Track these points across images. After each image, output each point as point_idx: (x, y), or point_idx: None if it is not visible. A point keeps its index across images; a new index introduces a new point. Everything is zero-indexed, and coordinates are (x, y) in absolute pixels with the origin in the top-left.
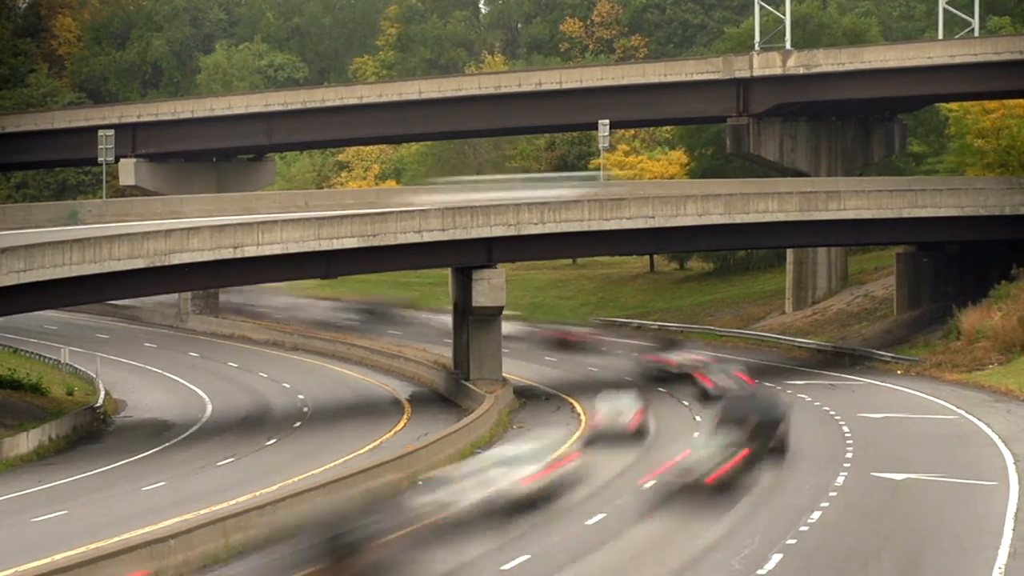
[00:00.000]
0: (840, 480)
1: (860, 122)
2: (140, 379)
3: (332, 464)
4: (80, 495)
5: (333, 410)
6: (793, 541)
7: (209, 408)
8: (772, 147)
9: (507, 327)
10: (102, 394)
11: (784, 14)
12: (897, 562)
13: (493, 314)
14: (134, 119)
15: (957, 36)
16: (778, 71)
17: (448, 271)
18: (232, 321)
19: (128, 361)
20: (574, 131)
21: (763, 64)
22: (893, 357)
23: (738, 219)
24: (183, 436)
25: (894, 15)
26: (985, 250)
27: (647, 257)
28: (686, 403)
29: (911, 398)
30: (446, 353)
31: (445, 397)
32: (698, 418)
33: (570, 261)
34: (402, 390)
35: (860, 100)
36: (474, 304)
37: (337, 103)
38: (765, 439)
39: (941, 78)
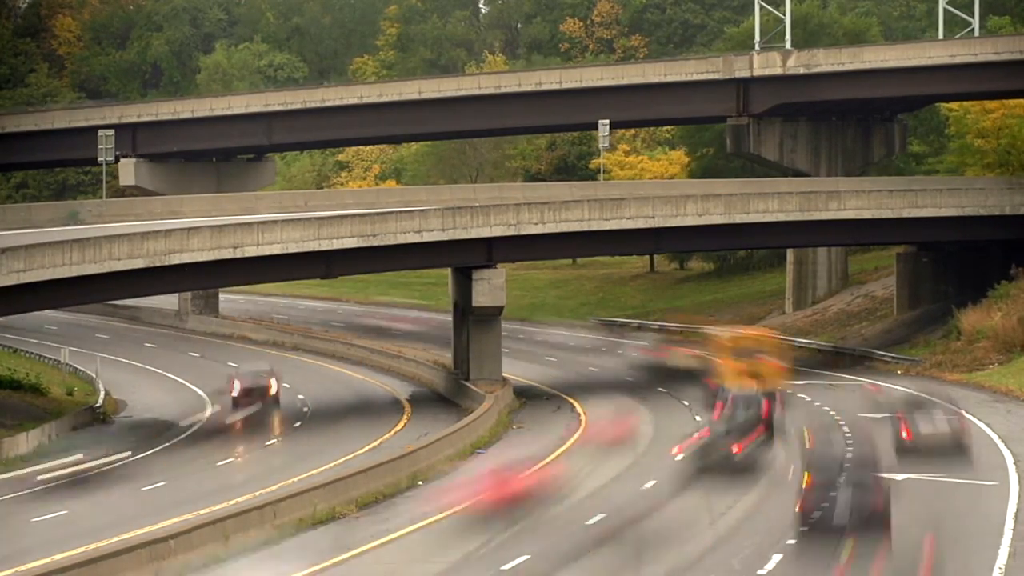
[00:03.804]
0: (840, 480)
1: (860, 122)
2: (140, 379)
3: (332, 464)
4: (80, 495)
5: (333, 410)
6: (793, 541)
7: (209, 408)
8: (772, 147)
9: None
10: (102, 394)
11: (784, 14)
12: (897, 562)
13: (493, 314)
14: (134, 119)
15: (957, 36)
16: (778, 71)
17: (448, 271)
18: (232, 321)
19: (128, 361)
20: (574, 131)
21: (763, 64)
22: (893, 357)
23: (738, 219)
24: (183, 436)
25: (894, 15)
26: (985, 250)
27: (647, 257)
28: (686, 403)
29: (911, 398)
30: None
31: (445, 397)
32: (698, 418)
33: (570, 261)
34: (402, 390)
35: (860, 100)
36: (474, 304)
37: (337, 103)
38: None
39: (941, 78)
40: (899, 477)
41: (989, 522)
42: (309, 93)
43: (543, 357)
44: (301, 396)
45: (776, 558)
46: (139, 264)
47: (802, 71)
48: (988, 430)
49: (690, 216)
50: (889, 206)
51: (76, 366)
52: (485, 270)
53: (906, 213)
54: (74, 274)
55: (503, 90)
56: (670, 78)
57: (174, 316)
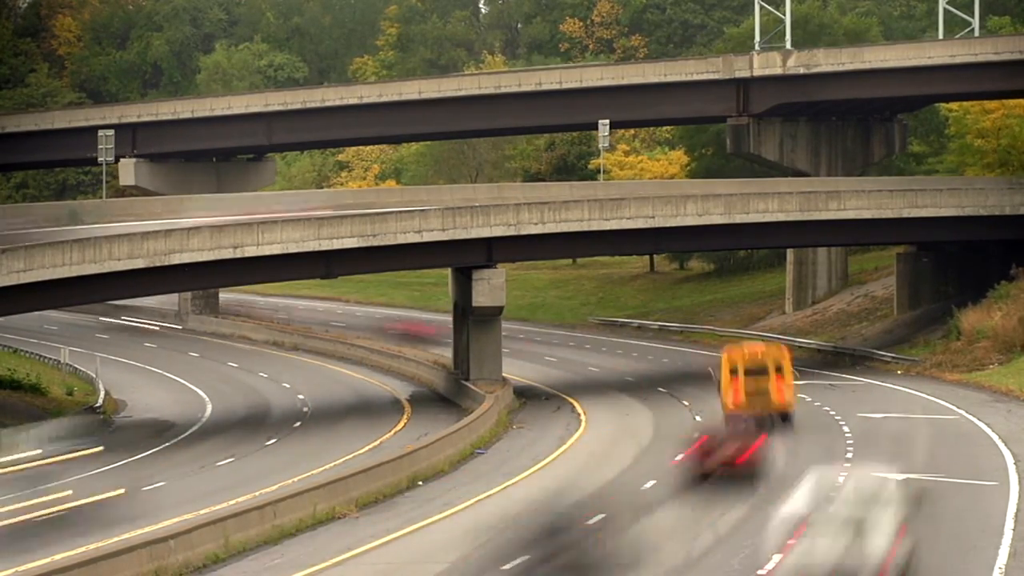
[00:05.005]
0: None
1: (860, 122)
2: (140, 379)
3: (332, 464)
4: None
5: (333, 410)
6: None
7: (209, 408)
8: (772, 147)
9: None
10: (102, 394)
11: (784, 14)
12: (897, 562)
13: (493, 314)
14: (134, 119)
15: (957, 36)
16: (778, 71)
17: (448, 271)
18: (232, 321)
19: (128, 361)
20: (574, 131)
21: (763, 64)
22: (893, 357)
23: (738, 219)
24: (183, 436)
25: (894, 15)
26: (985, 250)
27: (647, 257)
28: (686, 403)
29: (911, 398)
30: None
31: (445, 397)
32: (698, 418)
33: (570, 261)
34: (402, 390)
35: (860, 100)
36: (474, 304)
37: (337, 103)
38: None
39: (941, 78)
40: (899, 477)
41: (989, 522)
42: (309, 93)
43: (543, 357)
44: (301, 396)
45: (776, 558)
46: (139, 264)
47: (802, 71)
48: (988, 430)
49: (690, 216)
50: (889, 206)
51: (76, 366)
52: (485, 270)
53: (906, 213)
54: (74, 274)
55: (503, 90)
56: (670, 78)
57: (174, 316)
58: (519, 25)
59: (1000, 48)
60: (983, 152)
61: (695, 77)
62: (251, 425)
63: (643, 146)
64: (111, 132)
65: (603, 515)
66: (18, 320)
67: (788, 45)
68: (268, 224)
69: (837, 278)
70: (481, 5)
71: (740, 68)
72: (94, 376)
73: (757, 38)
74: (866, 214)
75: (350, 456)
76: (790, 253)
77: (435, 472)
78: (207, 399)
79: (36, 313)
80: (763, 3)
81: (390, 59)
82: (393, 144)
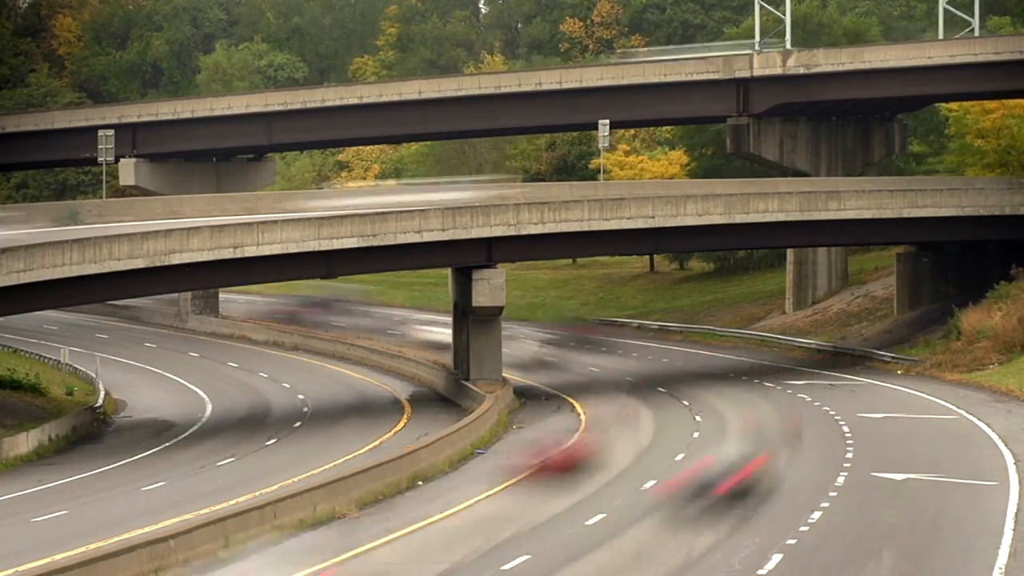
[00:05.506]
0: (840, 480)
1: (860, 122)
2: (140, 379)
3: (332, 464)
4: (80, 495)
5: (333, 410)
6: (793, 541)
7: (209, 408)
8: (772, 147)
9: None
10: (102, 394)
11: (784, 14)
12: (897, 562)
13: (493, 314)
14: (134, 119)
15: (957, 36)
16: (778, 71)
17: (448, 271)
18: (232, 321)
19: (128, 361)
20: (574, 131)
21: (763, 64)
22: (893, 357)
23: (738, 219)
24: (183, 436)
25: (894, 15)
26: (985, 250)
27: (647, 257)
28: (686, 403)
29: (911, 398)
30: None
31: (445, 397)
32: (698, 418)
33: (570, 261)
34: (402, 390)
35: (860, 100)
36: (474, 304)
37: (337, 103)
38: None
39: (941, 78)
40: (899, 477)
41: (989, 522)
42: (309, 93)
43: (544, 356)
44: (301, 396)
45: (776, 558)
46: (139, 264)
47: (802, 71)
48: (988, 430)
49: (690, 216)
50: (889, 206)
51: (76, 366)
52: (485, 270)
53: (906, 213)
54: (74, 274)
55: (503, 90)
56: (670, 78)
57: (174, 316)
58: (519, 25)
59: (1000, 48)
60: (983, 152)
61: (695, 77)
62: (251, 425)
63: (643, 146)
64: (111, 132)
65: (603, 515)
66: (18, 320)
67: (788, 45)
68: (268, 224)
69: (837, 278)
70: (481, 5)
71: (740, 68)
72: (94, 376)
73: (757, 38)
74: (866, 214)
75: (350, 456)
76: (790, 253)
77: (435, 472)
78: (207, 399)
79: (36, 313)
80: (763, 3)
81: (390, 59)
82: (393, 144)
